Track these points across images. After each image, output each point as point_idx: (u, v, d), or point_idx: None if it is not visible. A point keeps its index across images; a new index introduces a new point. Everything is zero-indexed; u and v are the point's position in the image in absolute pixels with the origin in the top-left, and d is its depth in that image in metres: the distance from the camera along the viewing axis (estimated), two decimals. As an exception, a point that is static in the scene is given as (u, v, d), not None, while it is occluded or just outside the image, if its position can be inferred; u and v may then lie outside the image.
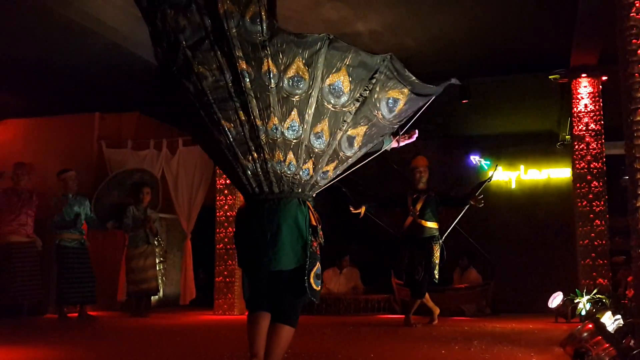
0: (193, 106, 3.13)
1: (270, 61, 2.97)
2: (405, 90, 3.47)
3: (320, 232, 3.36)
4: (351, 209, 7.02)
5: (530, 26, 7.30)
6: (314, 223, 3.32)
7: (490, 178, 7.51)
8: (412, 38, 7.56)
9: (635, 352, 3.29)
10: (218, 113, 3.08)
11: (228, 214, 9.08)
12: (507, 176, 11.05)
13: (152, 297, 9.16)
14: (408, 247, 7.30)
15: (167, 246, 10.55)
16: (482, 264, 9.83)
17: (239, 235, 3.42)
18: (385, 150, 3.87)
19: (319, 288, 3.32)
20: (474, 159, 11.08)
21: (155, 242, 9.08)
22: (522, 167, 11.04)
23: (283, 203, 3.26)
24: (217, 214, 9.14)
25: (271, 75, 3.00)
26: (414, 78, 3.47)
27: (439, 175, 10.18)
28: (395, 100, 3.43)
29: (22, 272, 7.77)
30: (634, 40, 3.98)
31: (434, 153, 11.02)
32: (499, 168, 9.06)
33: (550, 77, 8.25)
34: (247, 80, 2.99)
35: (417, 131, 4.36)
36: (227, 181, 9.12)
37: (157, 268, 9.40)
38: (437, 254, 7.19)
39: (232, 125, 3.10)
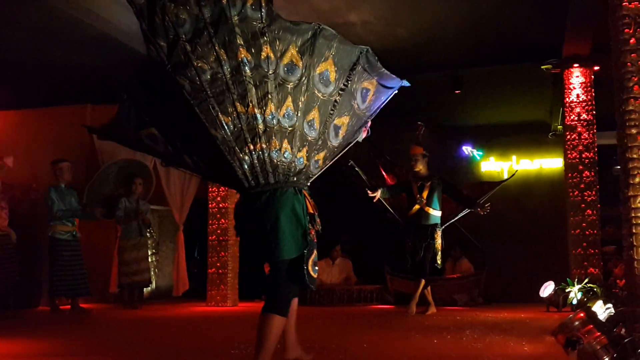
0: (184, 105, 3.12)
1: (269, 48, 3.03)
2: (374, 81, 3.55)
3: (318, 220, 3.41)
4: (369, 192, 7.17)
5: (522, 16, 7.29)
6: (311, 211, 3.38)
7: (504, 180, 7.70)
8: (405, 28, 7.54)
9: (626, 340, 3.30)
10: (216, 107, 3.11)
11: (220, 205, 9.06)
12: (499, 166, 11.08)
13: (144, 288, 9.14)
14: (412, 232, 7.49)
15: (159, 238, 10.53)
16: (474, 254, 9.86)
17: (239, 229, 3.46)
18: (357, 141, 3.91)
19: (316, 275, 3.36)
20: (466, 149, 11.09)
21: (148, 234, 9.06)
22: (514, 157, 11.06)
23: (280, 193, 3.29)
24: (210, 205, 9.12)
25: (269, 62, 3.06)
26: (383, 69, 3.53)
27: (432, 166, 10.19)
28: (367, 90, 3.52)
29: None
30: (626, 30, 3.99)
31: (426, 143, 11.05)
32: (515, 173, 9.23)
33: (542, 67, 8.24)
34: (247, 68, 3.04)
35: (369, 125, 4.27)
36: (220, 172, 9.09)
37: (150, 260, 9.38)
38: (439, 240, 7.45)
39: (229, 119, 3.13)
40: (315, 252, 3.35)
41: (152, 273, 9.66)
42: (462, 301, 9.09)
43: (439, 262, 7.50)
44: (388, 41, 7.79)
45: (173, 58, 3.04)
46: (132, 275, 8.52)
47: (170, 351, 4.73)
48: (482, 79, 9.06)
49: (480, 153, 11.03)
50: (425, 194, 7.45)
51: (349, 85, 3.36)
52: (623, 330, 3.66)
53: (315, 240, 3.37)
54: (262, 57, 3.04)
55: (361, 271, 9.98)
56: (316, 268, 3.36)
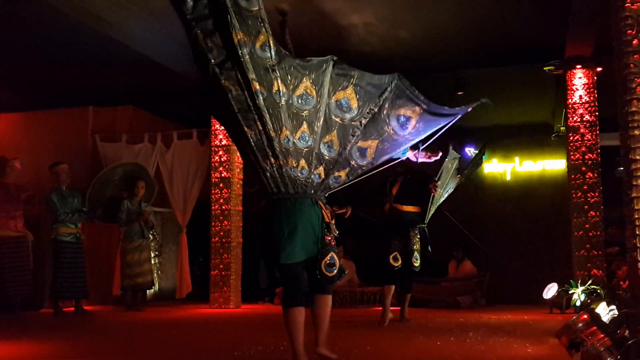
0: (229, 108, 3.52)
1: (279, 82, 3.41)
2: (417, 109, 3.95)
3: (334, 227, 3.87)
4: (335, 209, 6.18)
5: (524, 17, 7.28)
6: (327, 220, 3.84)
7: (477, 159, 7.21)
8: (407, 30, 7.54)
9: (630, 342, 3.29)
10: (242, 121, 3.49)
11: (223, 207, 9.06)
12: (502, 168, 11.06)
13: (147, 291, 9.14)
14: (392, 233, 6.61)
15: (162, 240, 10.54)
16: (477, 255, 9.85)
17: (264, 231, 3.82)
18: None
19: (332, 274, 3.82)
20: (469, 150, 11.08)
21: (151, 236, 9.06)
22: (517, 158, 11.04)
23: (299, 203, 3.74)
24: (212, 207, 9.12)
25: (281, 94, 3.44)
26: (423, 97, 3.94)
27: (433, 168, 10.17)
28: (407, 118, 3.92)
29: (12, 267, 7.71)
30: (629, 31, 3.98)
31: (428, 145, 11.03)
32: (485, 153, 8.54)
33: (545, 68, 8.23)
34: (261, 98, 3.38)
35: (440, 153, 5.19)
36: (223, 174, 9.11)
37: (153, 262, 9.39)
38: (415, 239, 6.56)
39: (253, 132, 3.52)
40: (331, 254, 3.80)
41: (155, 275, 9.66)
42: (465, 303, 9.08)
43: (415, 264, 6.52)
44: (390, 43, 7.79)
45: (209, 76, 3.40)
46: (135, 278, 8.52)
47: (172, 353, 4.72)
48: (485, 80, 9.04)
49: (484, 155, 10.99)
50: (394, 190, 6.64)
51: (380, 111, 3.78)
52: (627, 332, 3.65)
53: (334, 243, 3.84)
54: (274, 90, 3.40)
55: (365, 272, 9.97)
56: (331, 268, 3.81)
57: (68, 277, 7.87)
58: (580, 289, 7.31)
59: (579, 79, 8.05)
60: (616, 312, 4.68)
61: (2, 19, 7.06)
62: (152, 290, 9.64)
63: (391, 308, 6.60)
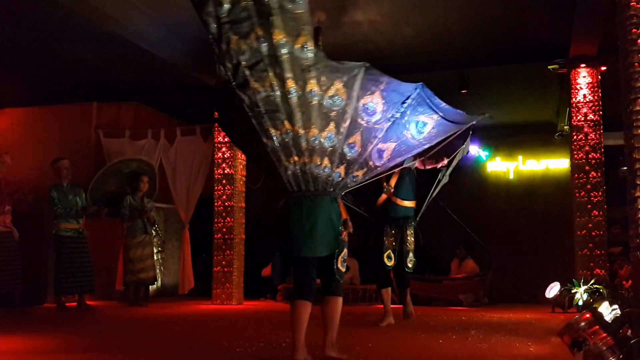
0: (245, 115, 3.72)
1: (314, 82, 3.60)
2: (435, 116, 4.16)
3: (350, 223, 4.06)
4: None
5: (529, 16, 7.26)
6: (344, 216, 4.04)
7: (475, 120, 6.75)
8: (411, 27, 7.53)
9: (632, 341, 3.29)
10: (268, 121, 3.70)
11: (226, 204, 9.07)
12: (505, 167, 11.06)
13: (150, 286, 9.16)
14: (384, 227, 6.33)
15: (164, 236, 10.55)
16: (479, 254, 9.85)
17: (283, 227, 3.97)
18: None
19: (344, 269, 4.07)
20: (474, 148, 11.07)
21: (153, 232, 9.08)
22: (520, 157, 11.04)
23: (319, 200, 3.90)
24: (215, 203, 9.13)
25: (314, 94, 3.63)
26: (444, 104, 4.18)
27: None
28: (424, 124, 4.14)
29: (0, 262, 7.72)
30: (634, 30, 3.96)
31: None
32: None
33: (549, 67, 8.20)
34: (295, 97, 3.60)
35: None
36: (226, 171, 9.12)
37: (155, 258, 9.40)
38: (411, 239, 6.28)
39: (279, 132, 3.73)
40: (345, 250, 4.04)
41: (158, 271, 9.67)
42: (468, 301, 9.09)
43: (409, 265, 6.26)
44: (394, 40, 7.78)
45: (237, 78, 3.62)
46: (138, 273, 8.54)
47: (175, 349, 4.73)
48: (489, 78, 9.03)
49: (487, 153, 11.00)
50: (393, 182, 6.21)
51: (402, 117, 3.97)
52: (629, 331, 3.64)
53: (347, 240, 4.05)
54: (307, 89, 3.61)
55: (367, 270, 9.96)
56: (345, 264, 4.05)
57: (71, 272, 7.88)
58: (583, 288, 7.30)
59: (583, 78, 8.03)
60: (619, 311, 4.67)
61: (6, 15, 7.06)
62: (155, 286, 9.65)
63: (393, 306, 6.46)
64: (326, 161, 3.84)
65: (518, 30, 7.69)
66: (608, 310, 4.63)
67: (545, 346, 4.68)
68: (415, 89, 3.96)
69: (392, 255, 6.31)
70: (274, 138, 3.74)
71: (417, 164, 5.22)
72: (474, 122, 5.02)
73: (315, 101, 3.64)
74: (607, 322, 3.62)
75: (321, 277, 4.06)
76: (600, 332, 3.31)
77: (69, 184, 8.09)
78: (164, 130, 9.77)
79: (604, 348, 3.25)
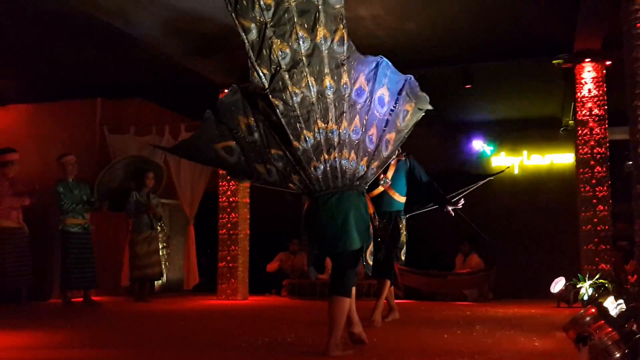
0: (266, 123, 3.85)
1: (346, 75, 3.80)
2: (413, 104, 4.25)
3: (377, 217, 4.22)
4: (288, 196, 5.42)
5: (533, 10, 7.23)
6: (370, 210, 4.11)
7: (490, 176, 7.07)
8: (415, 22, 7.50)
9: (638, 336, 3.29)
10: (302, 124, 3.79)
11: (231, 199, 9.08)
12: (510, 161, 11.03)
13: (155, 282, 9.19)
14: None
15: (169, 232, 10.58)
16: (484, 249, 9.83)
17: (314, 227, 4.01)
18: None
19: (372, 263, 4.06)
20: (479, 143, 11.06)
21: (159, 227, 9.10)
22: (525, 152, 11.02)
23: (347, 194, 3.96)
24: (220, 199, 9.15)
25: (346, 87, 3.81)
26: (421, 93, 4.28)
27: (442, 161, 10.16)
28: (406, 112, 4.23)
29: (12, 257, 7.76)
30: (638, 24, 3.95)
31: (436, 138, 11.02)
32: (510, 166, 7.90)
33: (553, 62, 8.18)
34: (330, 92, 3.77)
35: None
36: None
37: (161, 253, 9.43)
38: (403, 232, 6.03)
39: (312, 133, 3.82)
40: (372, 244, 4.05)
41: (163, 266, 9.71)
42: (472, 296, 9.09)
43: (402, 258, 6.04)
44: (398, 35, 7.76)
45: (272, 84, 3.70)
46: (144, 269, 8.57)
47: (180, 344, 4.75)
48: (493, 73, 9.01)
49: (492, 148, 10.99)
50: (390, 173, 5.98)
51: (397, 107, 4.10)
52: (634, 326, 3.64)
53: (372, 234, 4.06)
54: (342, 83, 3.79)
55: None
56: (372, 257, 4.05)
57: (77, 267, 7.93)
58: (588, 283, 7.30)
59: (588, 73, 8.00)
60: (624, 306, 4.67)
61: (11, 11, 7.07)
62: (160, 281, 9.69)
63: (397, 301, 6.41)
64: (352, 154, 3.93)
65: (522, 25, 7.67)
66: (613, 305, 4.62)
67: (550, 341, 4.68)
68: (406, 80, 4.13)
69: (382, 246, 5.90)
70: (307, 140, 3.81)
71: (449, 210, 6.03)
72: (491, 177, 5.89)
73: (347, 94, 3.79)
74: (612, 316, 3.61)
75: (332, 273, 4.09)
76: (606, 326, 3.30)
77: (75, 179, 8.13)
78: (168, 127, 9.78)
79: (609, 343, 3.25)
